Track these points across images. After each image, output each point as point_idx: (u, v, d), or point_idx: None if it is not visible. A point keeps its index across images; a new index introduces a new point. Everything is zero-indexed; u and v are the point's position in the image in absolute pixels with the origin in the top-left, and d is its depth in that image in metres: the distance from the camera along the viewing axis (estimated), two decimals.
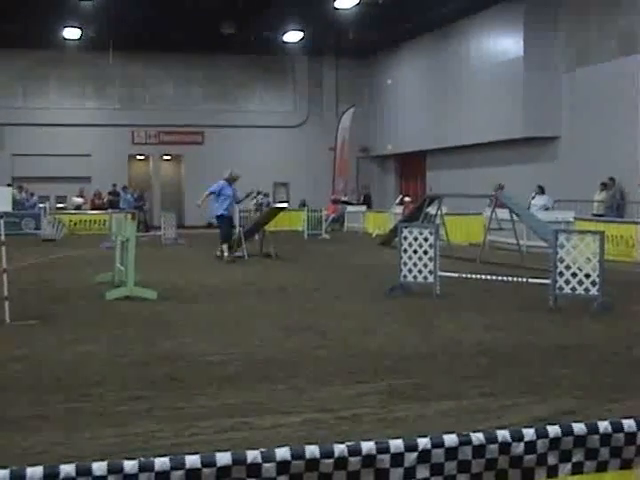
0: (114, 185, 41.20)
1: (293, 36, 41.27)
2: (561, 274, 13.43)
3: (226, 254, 22.42)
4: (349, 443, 2.17)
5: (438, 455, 2.20)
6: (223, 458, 2.11)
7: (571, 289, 13.38)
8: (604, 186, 28.21)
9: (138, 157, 46.54)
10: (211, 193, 22.32)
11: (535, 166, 33.12)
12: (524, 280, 15.16)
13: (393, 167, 47.34)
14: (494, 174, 33.12)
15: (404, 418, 7.09)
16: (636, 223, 23.62)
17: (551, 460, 2.29)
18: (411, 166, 45.26)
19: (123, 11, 34.91)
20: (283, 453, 2.14)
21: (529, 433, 2.27)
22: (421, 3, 34.72)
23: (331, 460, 2.14)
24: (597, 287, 13.23)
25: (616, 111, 28.61)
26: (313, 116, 47.41)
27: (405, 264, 15.11)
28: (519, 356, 9.76)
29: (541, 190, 29.38)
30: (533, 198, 29.16)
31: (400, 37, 41.56)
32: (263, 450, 2.16)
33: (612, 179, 28.15)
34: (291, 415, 7.15)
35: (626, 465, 2.36)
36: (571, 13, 31.56)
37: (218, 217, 22.47)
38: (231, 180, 22.50)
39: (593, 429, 2.31)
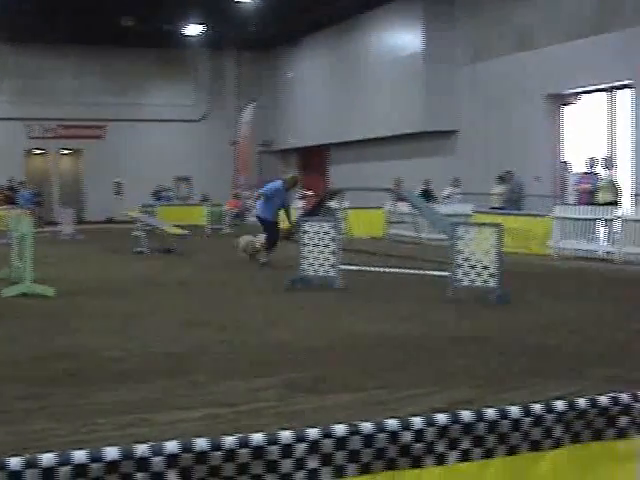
0: (9, 180, 40.20)
1: (193, 29, 41.04)
2: (460, 266, 13.61)
3: (263, 260, 19.72)
4: (238, 435, 2.16)
5: (328, 445, 2.21)
6: (111, 453, 2.08)
7: (470, 281, 13.58)
8: (501, 179, 28.62)
9: (36, 152, 45.63)
10: (262, 195, 19.99)
11: (435, 159, 33.51)
12: (424, 272, 15.33)
13: (295, 161, 47.38)
14: (395, 168, 33.38)
15: (302, 411, 7.10)
16: (533, 216, 24.07)
17: (439, 448, 2.32)
18: (313, 160, 45.33)
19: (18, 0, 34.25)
20: (172, 447, 2.12)
21: (417, 422, 2.29)
22: None
23: (220, 452, 2.13)
24: (495, 279, 13.45)
25: (513, 105, 29.11)
26: (214, 110, 47.15)
27: (306, 258, 15.15)
28: (418, 347, 9.85)
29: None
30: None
31: (301, 31, 41.60)
32: (153, 444, 2.14)
33: (509, 172, 28.58)
34: (190, 410, 7.10)
35: (512, 451, 2.40)
36: (469, 8, 31.99)
37: (263, 220, 19.93)
38: (289, 185, 20.08)
39: (480, 417, 2.34)
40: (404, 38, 34.60)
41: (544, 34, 28.22)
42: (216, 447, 2.14)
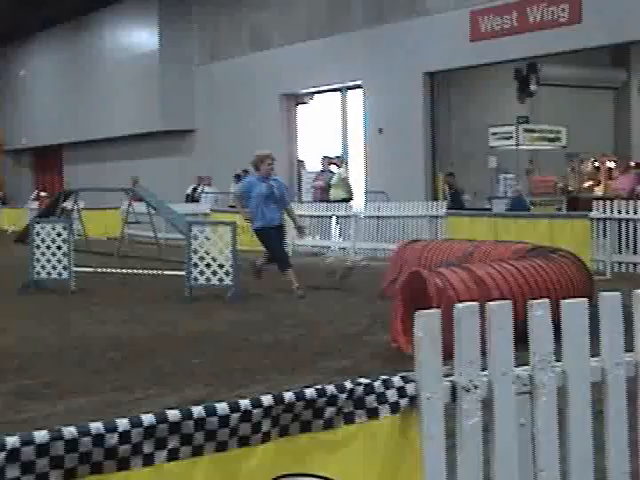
0: None
1: None
2: (195, 265, 13.61)
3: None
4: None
5: (28, 453, 2.15)
6: None
7: (205, 279, 13.60)
8: (238, 178, 28.91)
9: None
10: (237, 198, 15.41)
11: (174, 159, 33.42)
12: (161, 272, 15.24)
13: (28, 161, 46.02)
14: (133, 167, 33.01)
15: (32, 419, 6.89)
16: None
17: (146, 449, 2.30)
18: (47, 160, 44.19)
19: None
20: None
21: (123, 423, 2.26)
22: None
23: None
24: (230, 277, 13.53)
25: (249, 105, 29.41)
26: None
27: (38, 260, 14.70)
28: (153, 348, 9.78)
29: (209, 182, 29.72)
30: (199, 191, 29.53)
31: (34, 27, 40.35)
32: None
33: (246, 171, 28.85)
34: None
35: (221, 448, 2.41)
36: (205, 7, 32.09)
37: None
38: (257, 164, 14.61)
39: (187, 415, 2.34)
40: (140, 36, 34.30)
41: (278, 35, 28.73)
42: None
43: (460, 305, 2.81)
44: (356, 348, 9.61)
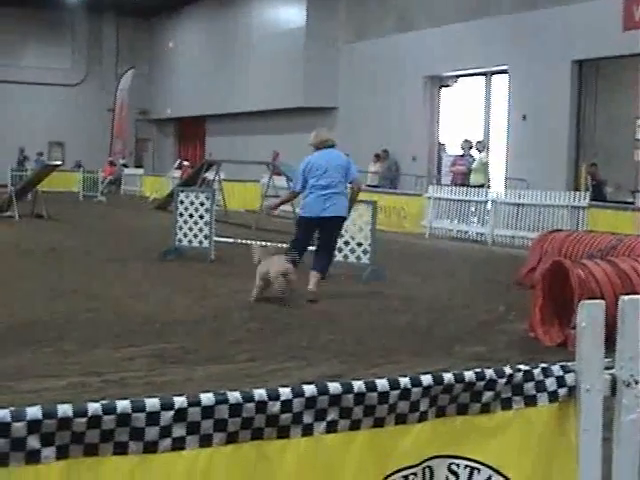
0: None
1: None
2: None
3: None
4: (104, 402, 2.12)
5: (194, 414, 2.19)
6: None
7: (343, 257, 13.65)
8: (377, 158, 28.92)
9: None
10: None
11: None
12: None
13: (172, 131, 46.93)
14: (274, 142, 33.35)
15: (171, 382, 7.05)
16: (408, 195, 24.38)
17: (306, 419, 2.32)
18: (191, 131, 44.99)
19: None
20: (34, 412, 2.07)
21: (285, 392, 2.28)
22: None
23: (84, 419, 2.09)
24: (368, 256, 13.56)
25: (392, 85, 29.34)
26: (92, 75, 46.27)
27: (180, 228, 15.03)
28: (290, 321, 9.87)
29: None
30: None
31: (183, 0, 41.12)
32: (13, 409, 2.08)
33: (386, 151, 28.90)
34: (56, 379, 6.98)
35: (378, 424, 2.42)
36: None
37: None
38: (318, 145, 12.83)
39: (347, 389, 2.35)
40: (287, 12, 34.52)
41: (424, 17, 28.52)
42: (81, 413, 2.09)
43: (626, 297, 2.75)
44: (492, 335, 9.52)
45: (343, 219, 11.80)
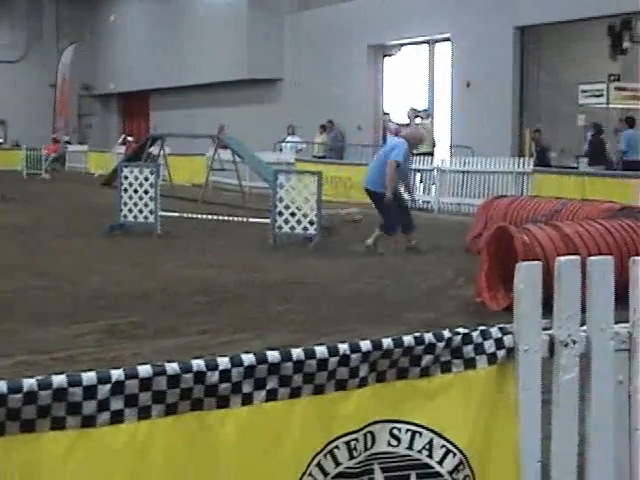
0: None
1: None
2: (280, 213, 13.69)
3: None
4: (39, 377, 2.11)
5: (132, 386, 2.18)
6: None
7: (290, 228, 13.68)
8: (323, 128, 28.87)
9: None
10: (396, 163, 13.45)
11: (259, 107, 33.42)
12: (245, 220, 15.34)
13: (116, 106, 46.49)
14: (220, 115, 33.13)
15: (120, 357, 7.01)
16: (354, 165, 24.36)
17: (246, 388, 2.32)
18: (135, 105, 44.58)
19: None
20: None
21: (223, 362, 2.28)
22: None
23: (19, 395, 2.07)
24: (314, 226, 13.58)
25: (336, 55, 29.26)
26: (32, 51, 45.53)
27: (125, 204, 14.94)
28: (239, 293, 9.87)
29: (292, 130, 29.57)
30: (284, 140, 29.41)
31: None
32: None
33: (331, 121, 28.85)
34: (3, 357, 6.91)
35: (318, 391, 2.42)
36: None
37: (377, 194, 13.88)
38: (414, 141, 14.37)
39: (286, 357, 2.35)
40: None
41: None
42: (15, 390, 2.08)
43: (562, 258, 2.78)
44: (441, 301, 9.59)
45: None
